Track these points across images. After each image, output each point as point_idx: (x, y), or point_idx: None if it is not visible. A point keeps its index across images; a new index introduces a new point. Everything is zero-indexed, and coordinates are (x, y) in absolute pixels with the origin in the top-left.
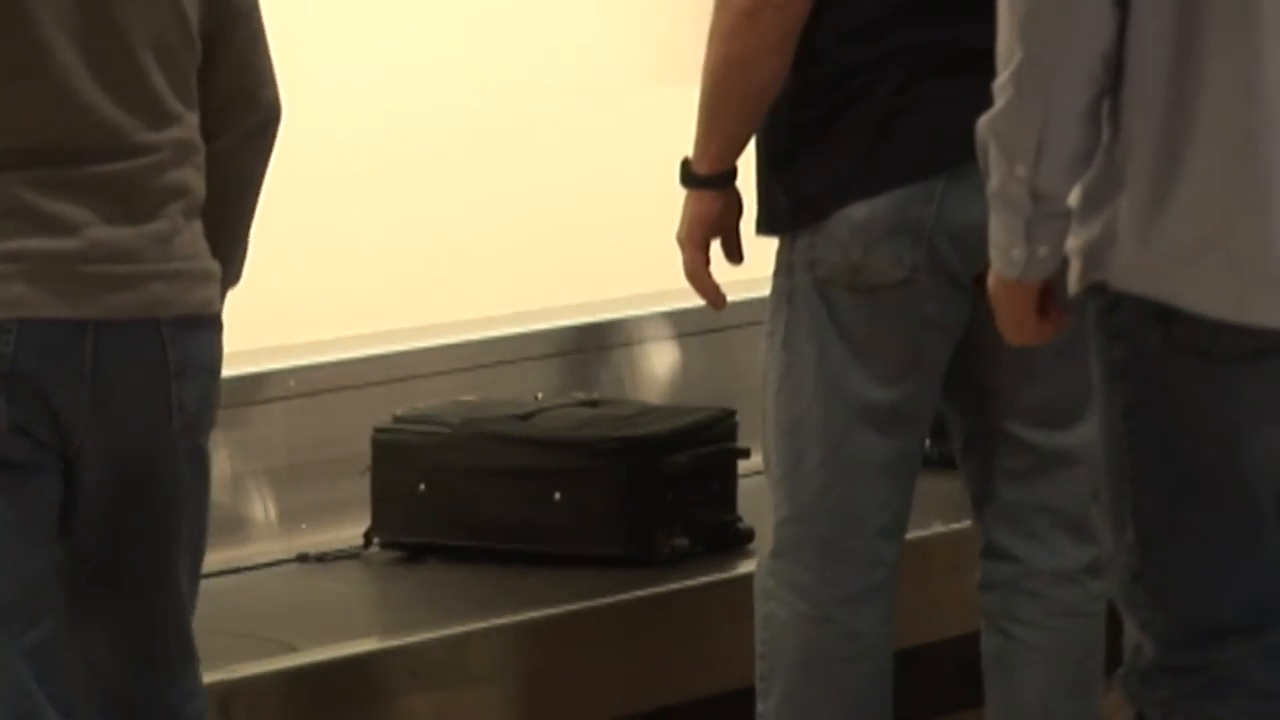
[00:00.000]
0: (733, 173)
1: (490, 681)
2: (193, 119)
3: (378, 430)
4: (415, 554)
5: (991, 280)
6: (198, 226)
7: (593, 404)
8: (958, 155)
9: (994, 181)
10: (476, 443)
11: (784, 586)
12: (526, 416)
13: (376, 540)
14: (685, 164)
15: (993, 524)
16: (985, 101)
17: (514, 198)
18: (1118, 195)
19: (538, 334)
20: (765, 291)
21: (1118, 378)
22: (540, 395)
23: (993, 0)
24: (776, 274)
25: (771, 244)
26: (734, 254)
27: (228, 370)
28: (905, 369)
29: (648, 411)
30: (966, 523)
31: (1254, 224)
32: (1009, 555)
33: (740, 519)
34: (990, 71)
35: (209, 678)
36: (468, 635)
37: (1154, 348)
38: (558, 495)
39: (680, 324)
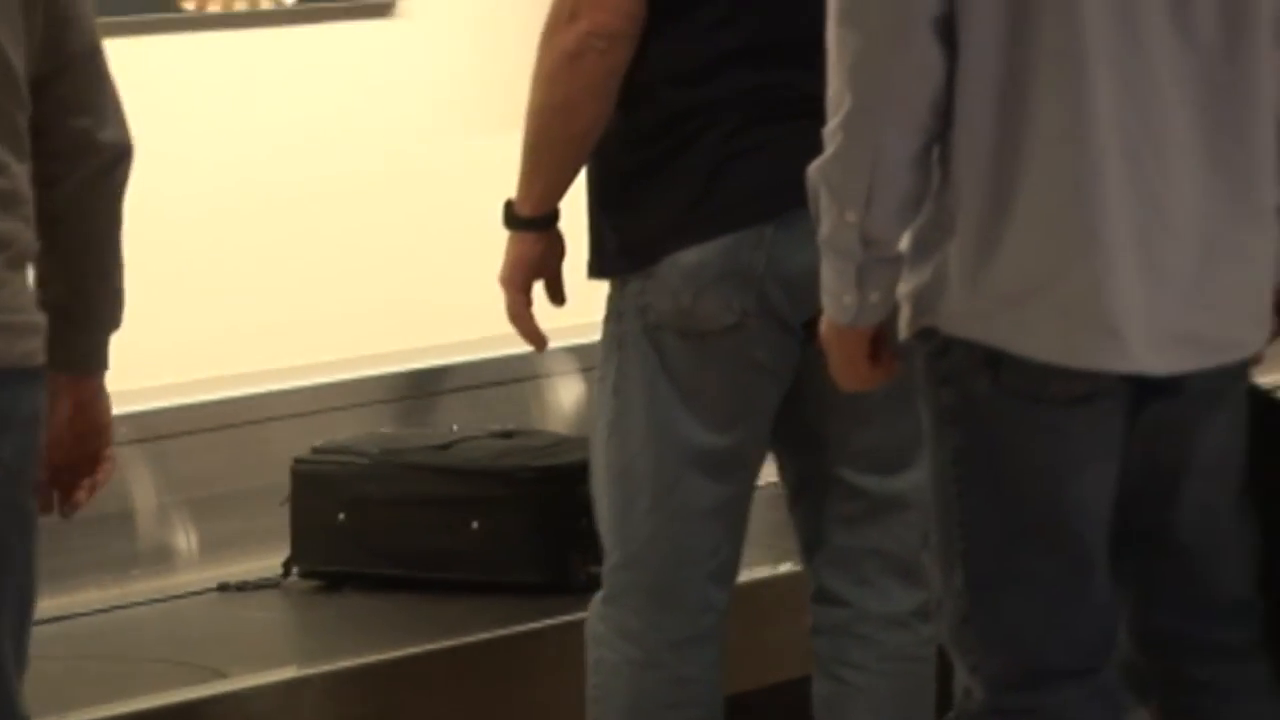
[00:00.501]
0: (555, 215)
1: (400, 708)
2: (20, 168)
3: (297, 461)
4: (334, 583)
5: (823, 326)
6: (23, 278)
7: (508, 435)
8: (788, 201)
9: (825, 228)
10: (395, 473)
11: (614, 632)
12: (444, 447)
13: (295, 570)
14: (509, 206)
15: (823, 569)
16: (816, 147)
17: (420, 235)
18: (948, 241)
19: (448, 368)
20: None
21: (947, 422)
22: (456, 427)
23: (824, 46)
24: (607, 319)
25: None
26: (557, 296)
27: (150, 404)
28: (735, 414)
29: (562, 442)
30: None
31: (1082, 268)
32: (840, 600)
33: None
34: (822, 117)
35: (135, 705)
36: (385, 663)
37: (983, 392)
38: (475, 524)
39: (584, 359)
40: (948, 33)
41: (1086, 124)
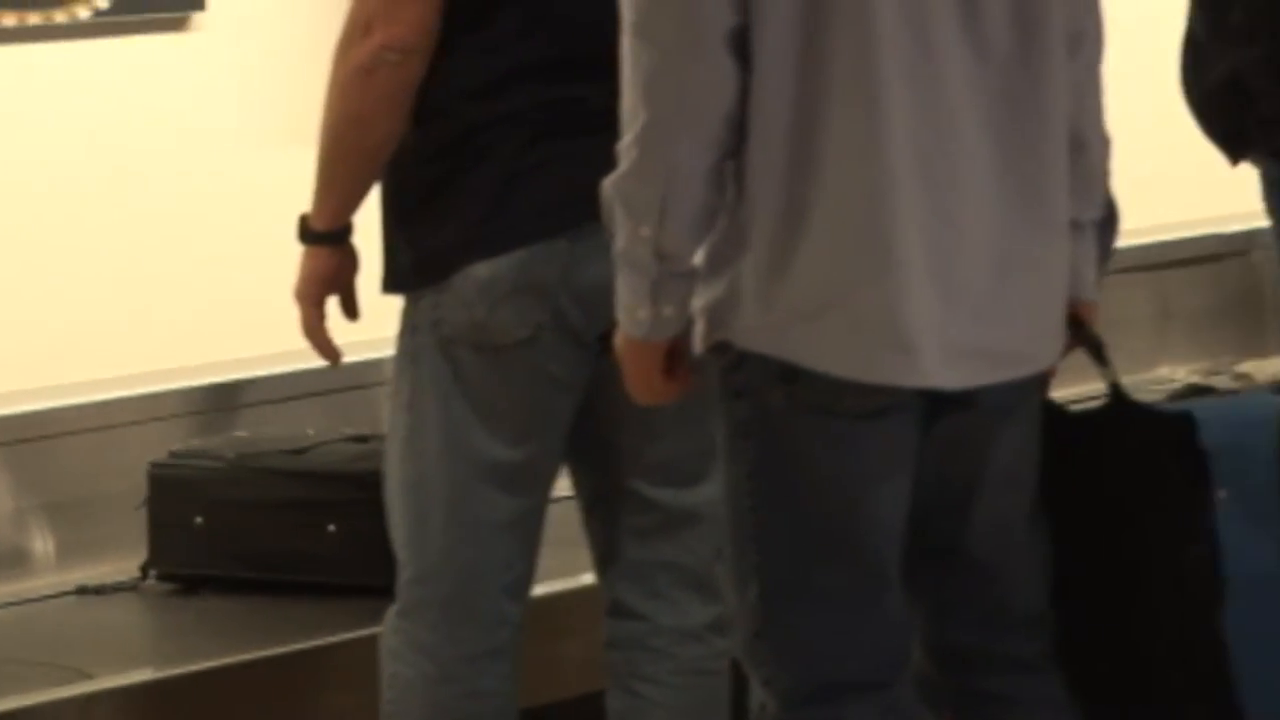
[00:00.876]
0: (349, 229)
1: (258, 709)
2: None
3: (154, 465)
4: (191, 586)
5: (618, 340)
6: None
7: (363, 439)
8: (582, 214)
9: (619, 242)
10: (252, 476)
11: (408, 646)
12: (300, 451)
13: (153, 573)
14: (303, 220)
15: (617, 582)
16: (611, 161)
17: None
18: (742, 255)
19: (301, 373)
20: None
21: (742, 436)
22: (312, 431)
23: (619, 60)
24: (401, 334)
25: None
26: (350, 310)
27: (6, 409)
28: (529, 428)
29: None
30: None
31: (875, 284)
32: (634, 613)
33: None
34: (616, 131)
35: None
36: (242, 664)
37: (778, 406)
38: (331, 527)
39: None
40: (742, 46)
41: (879, 138)
